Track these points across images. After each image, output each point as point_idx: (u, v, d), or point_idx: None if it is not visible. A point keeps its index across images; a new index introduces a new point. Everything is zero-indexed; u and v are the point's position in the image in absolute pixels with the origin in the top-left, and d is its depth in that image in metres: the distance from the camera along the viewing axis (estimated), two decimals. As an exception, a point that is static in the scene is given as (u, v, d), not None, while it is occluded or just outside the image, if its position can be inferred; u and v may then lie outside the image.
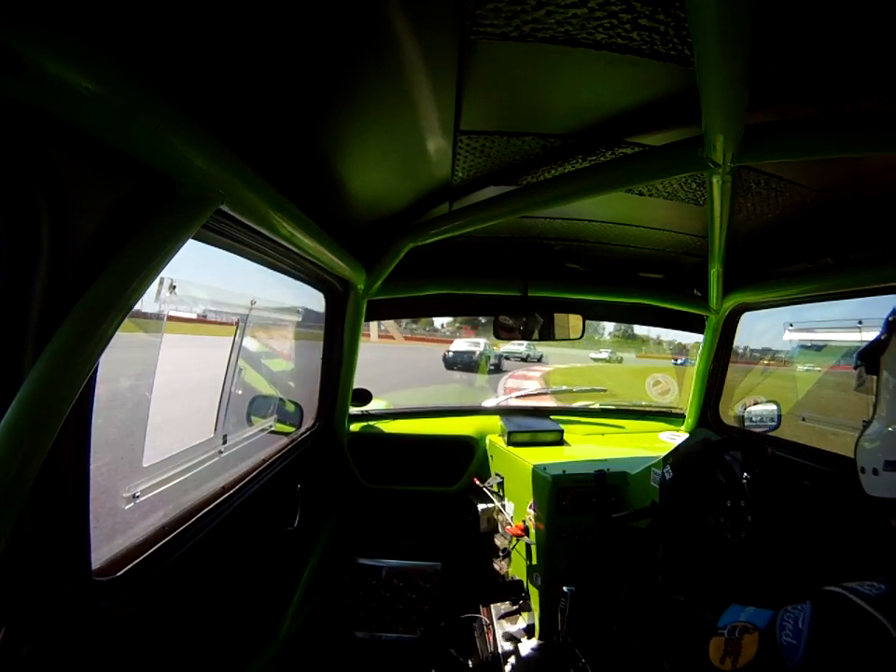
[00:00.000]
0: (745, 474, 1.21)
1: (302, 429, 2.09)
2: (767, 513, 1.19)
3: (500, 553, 2.05)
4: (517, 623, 1.91)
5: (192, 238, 0.82)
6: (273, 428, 1.93)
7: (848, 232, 1.44)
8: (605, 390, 4.34)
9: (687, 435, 2.28)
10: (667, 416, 2.73)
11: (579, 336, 2.36)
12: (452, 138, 1.02)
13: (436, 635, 2.11)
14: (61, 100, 0.54)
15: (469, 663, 1.97)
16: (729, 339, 2.25)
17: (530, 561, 1.86)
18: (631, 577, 1.21)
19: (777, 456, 1.39)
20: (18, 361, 0.61)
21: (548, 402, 3.53)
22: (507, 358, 19.24)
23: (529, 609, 1.86)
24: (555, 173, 1.21)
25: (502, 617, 1.95)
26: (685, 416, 2.45)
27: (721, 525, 1.21)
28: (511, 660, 1.77)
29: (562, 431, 2.31)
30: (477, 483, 2.28)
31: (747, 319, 2.21)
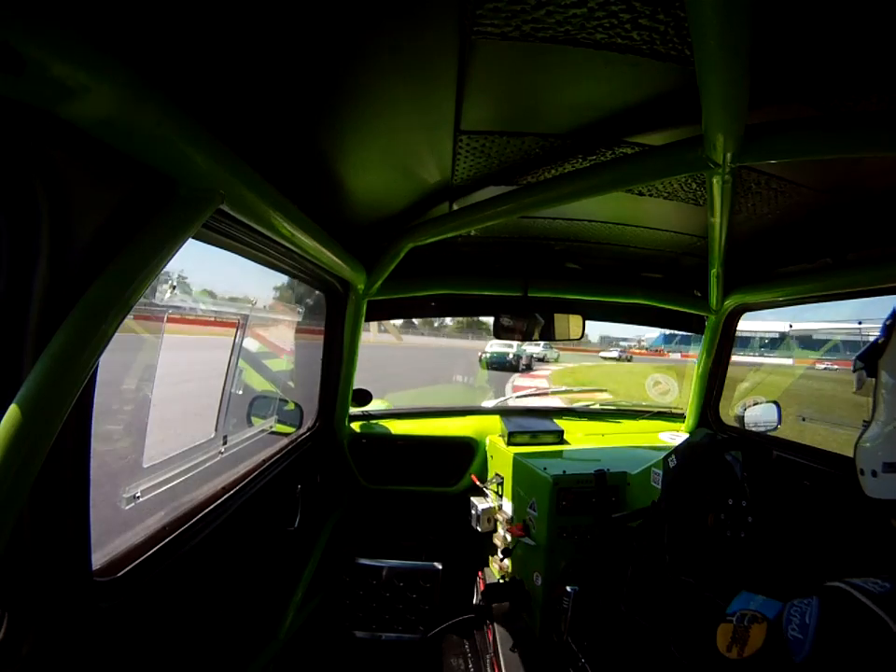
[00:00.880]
0: (745, 474, 1.21)
1: (303, 430, 2.09)
2: (768, 514, 1.19)
3: (500, 553, 2.05)
4: (517, 623, 1.91)
5: (192, 238, 0.82)
6: (273, 429, 1.94)
7: (848, 232, 1.44)
8: (605, 390, 4.35)
9: (687, 435, 2.28)
10: (667, 416, 2.73)
11: (579, 337, 2.36)
12: (452, 138, 1.02)
13: (436, 635, 2.11)
14: (61, 100, 0.54)
15: (470, 663, 1.97)
16: (729, 339, 2.25)
17: (530, 561, 1.86)
18: (636, 559, 1.20)
19: (779, 457, 1.39)
20: (18, 361, 0.61)
21: (548, 402, 3.53)
22: (540, 360, 20.47)
23: (529, 609, 1.86)
24: (555, 173, 1.21)
25: (502, 617, 1.95)
26: (685, 416, 2.45)
27: (721, 523, 1.21)
28: (511, 660, 1.77)
29: (562, 431, 2.31)
30: (477, 482, 2.28)
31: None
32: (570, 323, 2.33)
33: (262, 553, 1.58)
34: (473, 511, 2.20)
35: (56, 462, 0.67)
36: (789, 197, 1.26)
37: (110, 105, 0.58)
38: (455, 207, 1.45)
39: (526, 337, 2.35)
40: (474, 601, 2.21)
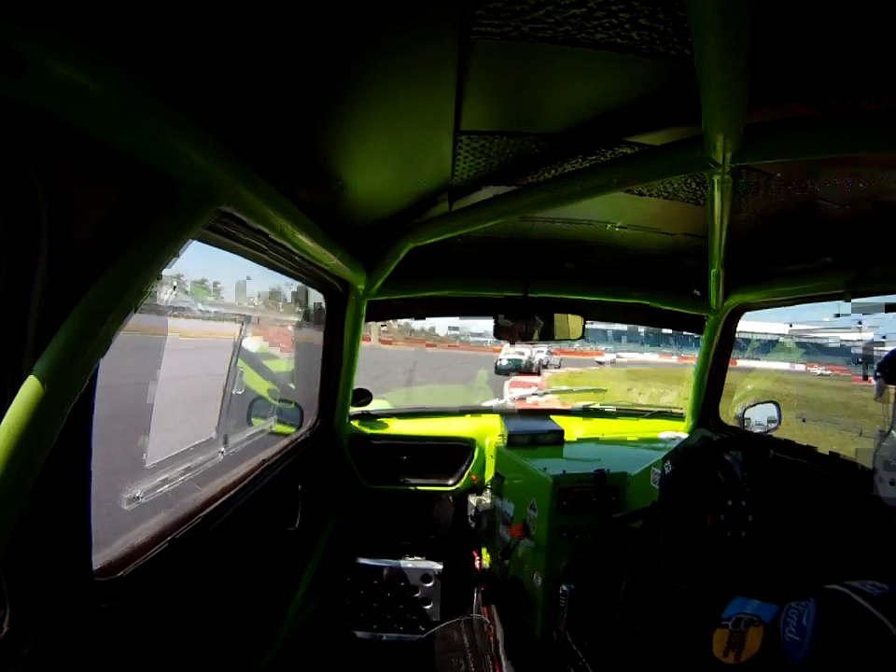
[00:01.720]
0: (745, 474, 1.21)
1: (303, 430, 2.09)
2: (768, 514, 1.19)
3: (500, 554, 2.04)
4: (517, 622, 1.91)
5: (192, 238, 0.82)
6: (273, 429, 1.94)
7: (848, 232, 1.44)
8: (605, 390, 4.35)
9: (687, 435, 2.28)
10: (667, 416, 2.73)
11: (579, 337, 2.36)
12: (452, 138, 1.02)
13: (436, 635, 2.11)
14: (61, 100, 0.54)
15: (470, 663, 1.97)
16: (729, 339, 2.25)
17: (530, 561, 1.86)
18: (631, 565, 1.20)
19: (779, 458, 1.39)
20: (18, 361, 0.61)
21: (547, 403, 3.53)
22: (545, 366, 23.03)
23: (529, 609, 1.86)
24: (555, 173, 1.21)
25: (502, 617, 1.95)
26: (685, 416, 2.45)
27: (721, 524, 1.21)
28: (512, 660, 1.77)
29: (562, 431, 2.31)
30: (477, 483, 2.28)
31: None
32: (570, 323, 2.33)
33: (263, 553, 1.58)
34: (473, 511, 2.20)
35: (57, 462, 0.67)
36: (789, 197, 1.26)
37: (110, 106, 0.58)
38: (455, 207, 1.45)
39: (526, 337, 2.35)
40: (474, 601, 2.21)
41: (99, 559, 0.86)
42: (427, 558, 2.26)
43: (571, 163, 1.16)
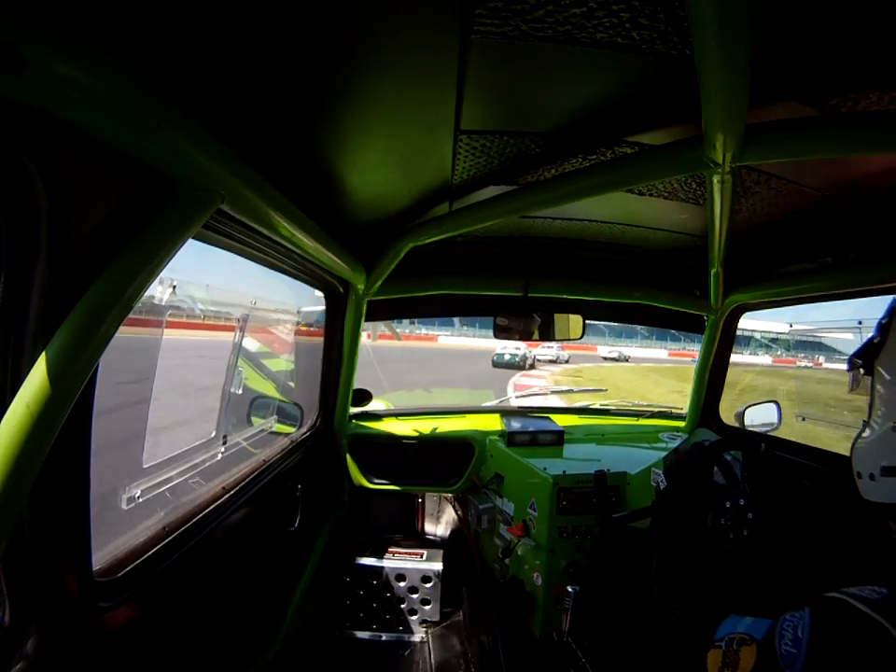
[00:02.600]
0: (745, 474, 1.21)
1: (303, 429, 2.09)
2: (768, 511, 1.19)
3: (500, 553, 2.05)
4: (517, 623, 1.91)
5: (192, 238, 0.82)
6: (273, 429, 1.94)
7: (848, 232, 1.44)
8: (605, 390, 4.34)
9: (686, 435, 2.28)
10: (667, 416, 2.73)
11: (579, 336, 2.36)
12: (452, 138, 1.02)
13: (436, 635, 2.11)
14: (61, 99, 0.54)
15: (470, 663, 1.97)
16: (729, 339, 2.25)
17: (530, 561, 1.86)
18: (626, 592, 1.20)
19: (774, 454, 1.39)
20: (18, 361, 0.61)
21: (548, 402, 3.53)
22: (553, 361, 26.00)
23: (529, 609, 1.86)
24: (555, 172, 1.21)
25: (502, 617, 1.95)
26: (685, 416, 2.45)
27: (721, 527, 1.21)
28: (512, 660, 1.77)
29: (562, 431, 2.31)
30: (477, 482, 2.28)
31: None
32: (570, 323, 2.33)
33: (262, 553, 1.58)
34: (473, 511, 2.20)
35: (56, 462, 0.67)
36: (789, 197, 1.26)
37: (110, 105, 0.58)
38: (455, 207, 1.45)
39: (525, 337, 2.35)
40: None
41: (99, 559, 0.86)
42: (427, 558, 2.26)
43: (571, 163, 1.16)
